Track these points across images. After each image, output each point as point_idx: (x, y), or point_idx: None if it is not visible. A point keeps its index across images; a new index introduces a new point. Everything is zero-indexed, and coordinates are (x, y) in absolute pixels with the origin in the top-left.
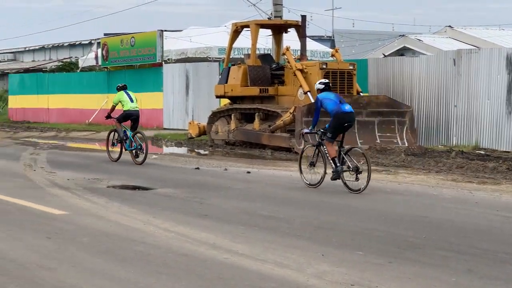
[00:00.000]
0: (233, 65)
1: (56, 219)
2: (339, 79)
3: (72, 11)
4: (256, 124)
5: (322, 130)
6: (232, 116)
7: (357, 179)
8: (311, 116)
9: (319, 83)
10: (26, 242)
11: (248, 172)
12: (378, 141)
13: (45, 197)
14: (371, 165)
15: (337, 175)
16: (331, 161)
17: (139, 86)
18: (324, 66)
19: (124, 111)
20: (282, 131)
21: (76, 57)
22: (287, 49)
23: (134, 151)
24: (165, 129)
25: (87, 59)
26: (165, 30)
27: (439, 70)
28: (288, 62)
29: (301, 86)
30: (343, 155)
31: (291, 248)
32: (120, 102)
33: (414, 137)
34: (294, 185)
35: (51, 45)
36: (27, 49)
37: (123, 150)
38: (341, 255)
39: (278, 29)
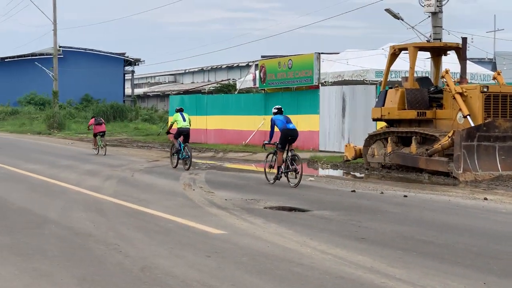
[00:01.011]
0: (391, 88)
1: (215, 238)
2: (501, 102)
3: (231, 34)
4: (413, 147)
5: (277, 142)
6: (389, 139)
7: (295, 177)
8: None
9: (274, 108)
10: (187, 259)
11: (405, 196)
12: None
13: (204, 216)
14: (302, 168)
15: (277, 178)
16: (279, 166)
17: (295, 108)
18: (485, 90)
19: (177, 128)
20: (440, 155)
21: (233, 79)
22: (447, 72)
23: (184, 159)
24: (321, 151)
25: (245, 81)
26: (322, 53)
27: None
28: (447, 85)
29: (460, 109)
30: (289, 161)
31: (451, 275)
32: (175, 121)
33: None
34: (453, 210)
35: (209, 67)
36: (187, 71)
37: (179, 158)
38: (505, 284)
39: (437, 52)
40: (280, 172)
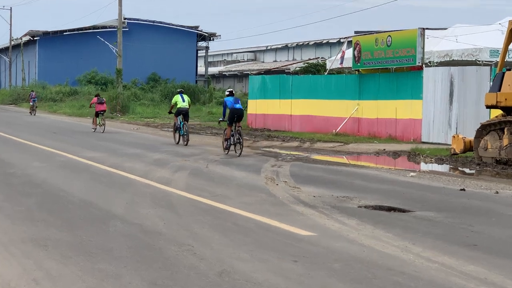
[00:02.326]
0: (509, 69)
1: (302, 240)
2: None
3: (320, 6)
4: None
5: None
6: (505, 130)
7: (240, 149)
8: None
9: (227, 91)
10: (271, 264)
11: None
12: None
13: (289, 215)
14: (243, 141)
15: (227, 148)
16: (226, 139)
17: (394, 92)
18: None
19: (177, 108)
20: None
21: (322, 58)
22: None
23: (182, 136)
24: (423, 142)
25: (336, 60)
26: (427, 29)
27: None
28: None
29: None
30: (236, 135)
31: None
32: (176, 102)
33: None
34: None
35: (295, 44)
36: (268, 48)
37: (180, 135)
38: None
39: None
40: (228, 144)
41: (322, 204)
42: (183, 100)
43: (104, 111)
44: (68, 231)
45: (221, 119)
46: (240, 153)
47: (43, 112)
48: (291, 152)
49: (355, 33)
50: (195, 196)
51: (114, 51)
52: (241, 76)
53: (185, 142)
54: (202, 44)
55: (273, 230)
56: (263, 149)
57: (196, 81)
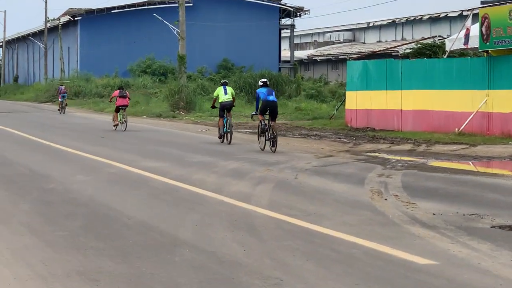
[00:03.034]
0: None
1: (421, 270)
2: None
3: None
4: None
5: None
6: None
7: (273, 145)
8: None
9: (260, 81)
10: None
11: None
12: None
13: (403, 238)
14: (277, 136)
15: (262, 131)
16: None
17: None
18: None
19: (220, 102)
20: None
21: (440, 37)
22: None
23: (225, 133)
24: None
25: (458, 39)
26: None
27: None
28: None
29: None
30: (271, 131)
31: None
32: (218, 95)
33: None
34: None
35: (404, 19)
36: (371, 25)
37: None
38: None
39: None
40: (264, 127)
41: (445, 224)
42: (226, 93)
43: (126, 106)
44: (124, 261)
45: (254, 113)
46: (275, 149)
47: (86, 111)
48: (402, 158)
49: (481, 3)
50: (282, 216)
51: (175, 33)
52: (336, 62)
53: (229, 141)
54: (286, 21)
55: (383, 258)
56: (367, 154)
57: (280, 69)
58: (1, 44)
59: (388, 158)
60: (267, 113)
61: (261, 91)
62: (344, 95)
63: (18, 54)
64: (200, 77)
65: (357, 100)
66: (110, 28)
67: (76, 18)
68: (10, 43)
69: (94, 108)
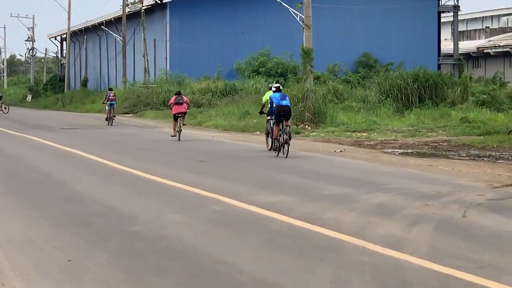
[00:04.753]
0: None
1: None
2: None
3: None
4: None
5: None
6: None
7: (287, 150)
8: None
9: (273, 86)
10: None
11: None
12: None
13: None
14: (290, 142)
15: (275, 148)
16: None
17: None
18: None
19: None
20: None
21: None
22: None
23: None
24: None
25: None
26: None
27: None
28: None
29: None
30: (284, 135)
31: None
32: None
33: None
34: None
35: None
36: None
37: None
38: None
39: None
40: (276, 145)
41: None
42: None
43: (184, 113)
44: None
45: (268, 117)
46: (287, 154)
47: None
48: None
49: None
50: (447, 268)
51: (297, 19)
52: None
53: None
54: (447, 2)
55: None
56: None
57: (439, 66)
58: (64, 35)
59: None
60: (282, 118)
61: (275, 96)
62: None
63: (87, 50)
64: (331, 78)
65: None
66: (210, 14)
67: (164, 1)
68: (77, 35)
69: (189, 121)
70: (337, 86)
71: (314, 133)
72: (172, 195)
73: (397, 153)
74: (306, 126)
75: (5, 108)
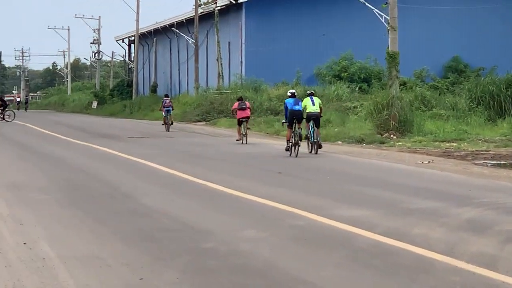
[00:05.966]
0: None
1: None
2: None
3: None
4: None
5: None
6: None
7: (297, 150)
8: None
9: (289, 92)
10: None
11: None
12: None
13: None
14: (300, 143)
15: (287, 149)
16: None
17: None
18: None
19: (307, 113)
20: None
21: None
22: None
23: (311, 143)
24: None
25: None
26: None
27: None
28: None
29: None
30: (296, 137)
31: None
32: (305, 106)
33: None
34: None
35: None
36: None
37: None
38: None
39: None
40: (288, 146)
41: None
42: (313, 104)
43: (248, 117)
44: None
45: (284, 121)
46: (297, 154)
47: (256, 134)
48: None
49: None
50: None
51: (382, 21)
52: None
53: (314, 151)
54: None
55: None
56: None
57: None
58: (132, 38)
59: None
60: (295, 121)
61: (289, 102)
62: None
63: (157, 53)
64: (418, 84)
65: None
66: (289, 15)
67: (240, 1)
68: (146, 38)
69: (266, 130)
70: (425, 92)
71: (400, 143)
72: (247, 208)
73: (489, 164)
74: (392, 136)
75: (8, 116)
